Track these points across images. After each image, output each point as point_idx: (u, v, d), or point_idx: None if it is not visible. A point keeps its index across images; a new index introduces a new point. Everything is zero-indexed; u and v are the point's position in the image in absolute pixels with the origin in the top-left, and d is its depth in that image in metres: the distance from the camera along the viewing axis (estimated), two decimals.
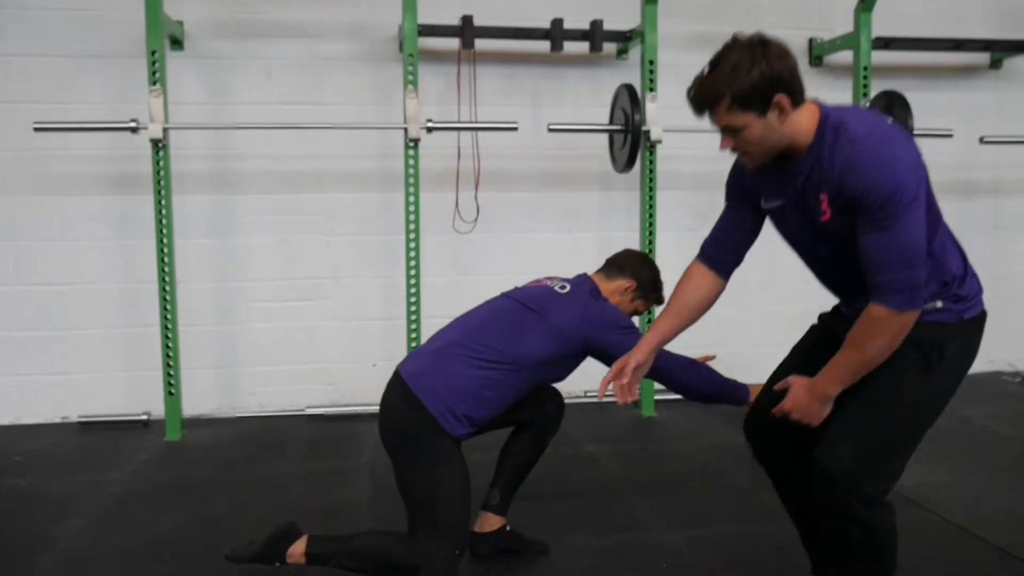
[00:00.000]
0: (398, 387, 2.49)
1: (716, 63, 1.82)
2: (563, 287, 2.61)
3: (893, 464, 1.93)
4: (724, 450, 3.78)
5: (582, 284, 2.63)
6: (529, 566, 2.64)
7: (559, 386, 2.73)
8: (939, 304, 1.92)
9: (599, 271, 2.75)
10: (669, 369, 2.50)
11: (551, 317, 2.50)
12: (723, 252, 2.15)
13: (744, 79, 1.77)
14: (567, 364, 2.60)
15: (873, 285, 1.80)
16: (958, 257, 1.98)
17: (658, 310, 2.40)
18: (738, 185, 2.12)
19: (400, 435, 2.46)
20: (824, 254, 1.98)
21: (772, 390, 2.09)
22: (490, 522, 2.70)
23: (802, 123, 1.85)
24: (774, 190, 1.99)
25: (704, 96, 1.83)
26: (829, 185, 1.84)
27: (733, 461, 3.62)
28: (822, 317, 2.25)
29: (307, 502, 3.19)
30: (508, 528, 2.72)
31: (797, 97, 1.83)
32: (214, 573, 2.58)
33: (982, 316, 2.00)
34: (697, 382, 2.52)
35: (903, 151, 1.78)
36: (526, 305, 2.56)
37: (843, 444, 1.88)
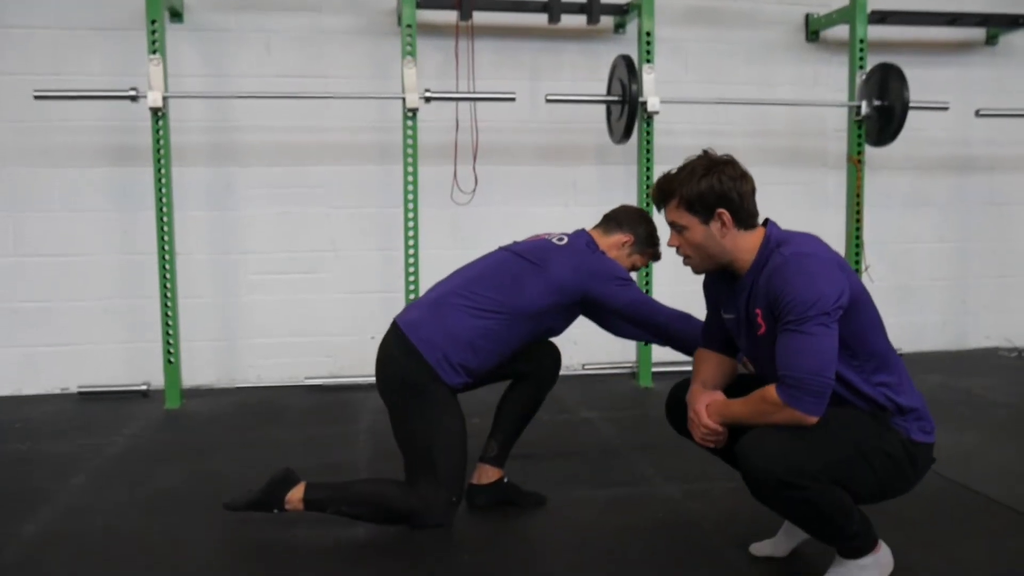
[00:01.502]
0: (396, 337, 2.52)
1: (682, 167, 2.04)
2: (561, 240, 2.65)
3: (813, 466, 1.87)
4: None
5: (579, 237, 2.66)
6: (527, 517, 2.65)
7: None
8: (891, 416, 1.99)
9: (596, 226, 2.77)
10: (667, 324, 2.55)
11: (549, 269, 2.53)
12: (719, 342, 2.23)
13: (694, 185, 1.98)
14: (564, 316, 2.63)
15: (780, 373, 1.88)
16: (913, 393, 2.03)
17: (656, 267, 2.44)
18: (709, 294, 2.27)
19: (398, 385, 2.49)
20: (766, 364, 2.01)
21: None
22: (488, 474, 2.72)
23: (746, 243, 2.02)
24: (729, 305, 2.12)
25: (661, 189, 2.06)
26: (763, 299, 1.96)
27: None
28: None
29: (307, 461, 3.18)
30: (506, 480, 2.74)
31: (742, 217, 2.00)
32: (213, 523, 2.59)
33: (929, 450, 2.05)
34: (695, 335, 2.47)
35: (830, 274, 1.90)
36: (525, 257, 2.58)
37: (762, 438, 1.90)
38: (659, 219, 2.75)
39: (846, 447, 1.92)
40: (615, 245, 2.69)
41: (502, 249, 2.69)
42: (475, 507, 2.70)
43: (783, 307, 1.88)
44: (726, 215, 1.98)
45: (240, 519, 2.60)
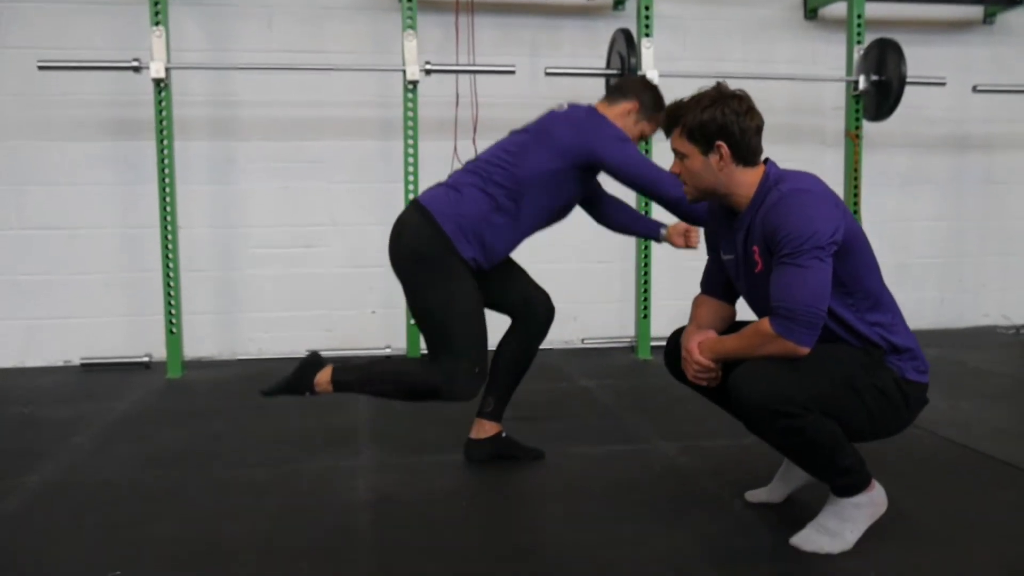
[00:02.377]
0: (412, 209, 2.60)
1: (693, 96, 2.05)
2: (561, 106, 2.67)
3: (804, 396, 1.90)
4: None
5: (581, 106, 2.67)
6: (525, 471, 2.68)
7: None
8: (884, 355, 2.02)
9: (602, 99, 2.76)
10: (666, 184, 2.56)
11: (553, 132, 2.56)
12: (719, 287, 2.26)
13: (697, 115, 2.00)
14: (570, 187, 2.62)
15: (772, 304, 1.91)
16: (907, 333, 2.06)
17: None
18: (709, 238, 2.31)
19: (412, 256, 2.54)
20: (763, 306, 2.04)
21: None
22: (485, 428, 2.75)
23: (745, 179, 2.03)
24: (728, 245, 2.15)
25: (669, 115, 2.08)
26: (760, 236, 1.98)
27: None
28: None
29: (306, 423, 3.23)
30: (504, 435, 2.76)
31: (742, 152, 2.00)
32: (215, 476, 2.63)
33: (923, 389, 2.07)
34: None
35: (826, 210, 1.93)
36: (528, 130, 2.63)
37: (754, 371, 1.92)
38: (662, 155, 2.81)
39: (838, 380, 1.95)
40: (621, 114, 2.68)
41: (510, 132, 2.71)
42: (473, 461, 2.73)
43: (779, 241, 1.90)
44: (724, 148, 1.99)
45: (239, 470, 2.63)
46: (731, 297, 2.26)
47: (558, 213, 2.70)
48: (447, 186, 2.61)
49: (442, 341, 2.48)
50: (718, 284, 2.26)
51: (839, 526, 2.04)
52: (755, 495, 2.38)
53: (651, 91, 2.74)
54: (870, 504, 2.07)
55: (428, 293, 2.50)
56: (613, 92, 2.75)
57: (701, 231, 2.73)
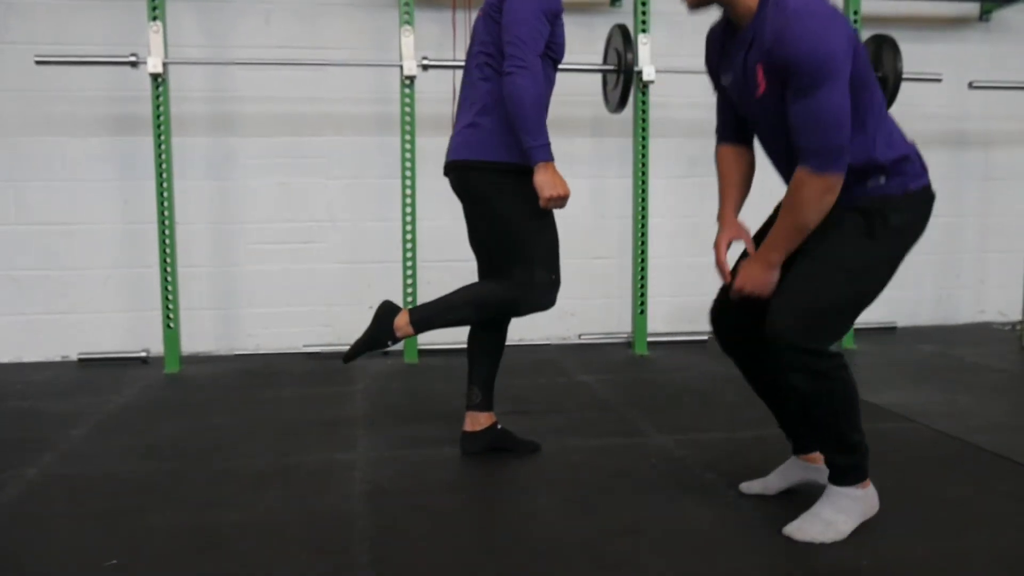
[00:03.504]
0: (450, 169, 2.64)
1: None
2: None
3: (834, 323, 1.99)
4: (715, 377, 3.84)
5: None
6: (521, 463, 2.69)
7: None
8: (882, 180, 2.03)
9: None
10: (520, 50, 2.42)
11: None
12: (733, 128, 2.25)
13: None
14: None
15: (798, 151, 1.92)
16: (902, 141, 2.08)
17: None
18: (711, 71, 2.25)
19: (471, 188, 2.58)
20: (765, 129, 2.07)
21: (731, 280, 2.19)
22: (479, 420, 2.75)
23: None
24: (728, 66, 2.10)
25: None
26: (764, 56, 1.94)
27: (724, 384, 3.68)
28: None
29: (303, 417, 3.24)
30: (499, 426, 2.77)
31: None
32: (213, 468, 2.63)
33: (927, 191, 2.08)
34: (532, 99, 2.42)
35: (833, 26, 1.88)
36: (486, 11, 2.59)
37: (787, 307, 1.97)
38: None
39: (863, 280, 2.00)
40: None
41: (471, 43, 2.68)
42: (469, 453, 2.74)
43: (793, 72, 1.86)
44: None
45: (238, 461, 2.64)
46: (747, 137, 2.25)
47: (554, 61, 2.61)
48: (457, 124, 2.62)
49: (515, 255, 2.52)
50: (731, 126, 2.25)
51: (833, 516, 2.06)
52: (750, 486, 2.39)
53: None
54: (864, 500, 2.09)
55: (498, 211, 2.54)
56: None
57: None
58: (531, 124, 2.41)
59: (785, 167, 2.13)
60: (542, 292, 2.54)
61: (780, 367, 1.99)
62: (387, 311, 2.58)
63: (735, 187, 2.26)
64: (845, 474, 2.07)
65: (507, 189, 2.53)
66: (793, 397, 2.08)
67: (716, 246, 2.22)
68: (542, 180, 2.45)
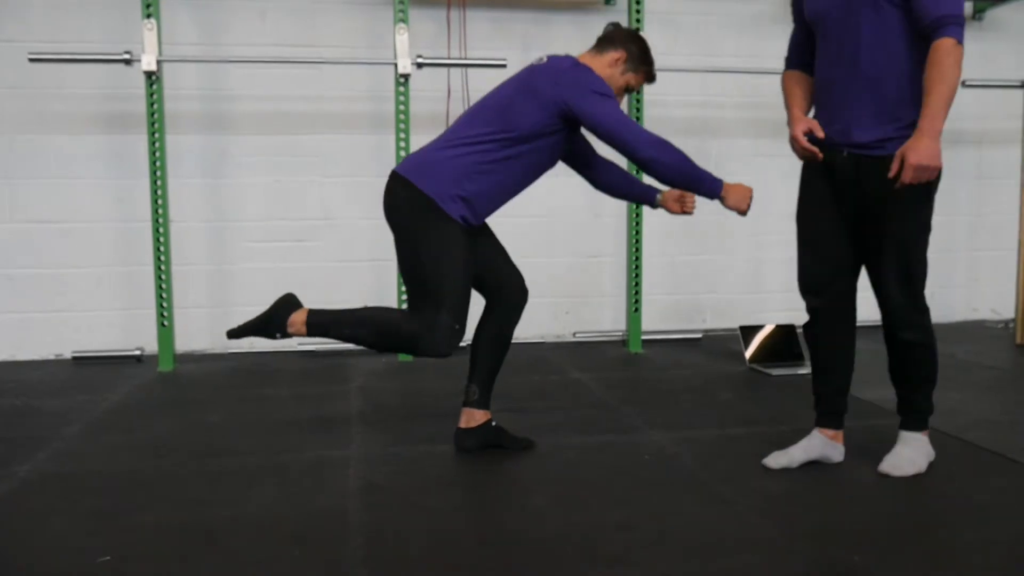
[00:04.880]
0: (393, 180, 2.61)
1: None
2: (541, 59, 2.65)
3: (925, 275, 2.44)
4: (710, 375, 3.85)
5: (563, 57, 2.65)
6: (515, 460, 2.69)
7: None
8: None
9: (590, 49, 2.73)
10: (639, 144, 2.51)
11: (532, 85, 2.55)
12: (802, 56, 2.56)
13: None
14: (554, 141, 2.61)
15: (936, 20, 2.19)
16: None
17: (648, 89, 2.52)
18: (795, 5, 2.58)
19: (403, 210, 2.56)
20: (852, 45, 2.34)
21: (816, 250, 2.52)
22: (474, 417, 2.76)
23: None
24: None
25: None
26: None
27: (718, 382, 3.69)
28: (811, 190, 2.54)
29: (297, 414, 3.24)
30: (494, 423, 2.78)
31: None
32: (206, 465, 2.63)
33: None
34: (668, 161, 2.52)
35: None
36: (507, 86, 2.62)
37: (897, 275, 2.38)
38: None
39: (928, 233, 2.43)
40: (608, 63, 2.66)
41: (490, 91, 2.71)
42: (463, 450, 2.74)
43: None
44: None
45: (232, 458, 2.64)
46: (810, 66, 2.53)
47: (543, 167, 2.67)
48: (425, 149, 2.62)
49: (425, 294, 2.49)
50: (801, 53, 2.56)
51: (914, 455, 2.49)
52: (777, 459, 2.55)
53: (638, 42, 2.71)
54: (928, 443, 2.54)
55: (416, 246, 2.53)
56: (601, 42, 2.72)
57: (696, 198, 2.78)
58: (692, 175, 2.55)
59: (843, 72, 2.38)
60: (443, 337, 2.50)
61: (893, 324, 2.42)
62: (287, 303, 2.52)
63: (801, 98, 2.55)
64: (922, 420, 2.52)
65: (432, 226, 2.51)
66: (901, 351, 2.46)
67: (794, 137, 2.49)
68: (732, 202, 2.59)
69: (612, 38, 2.70)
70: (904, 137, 2.28)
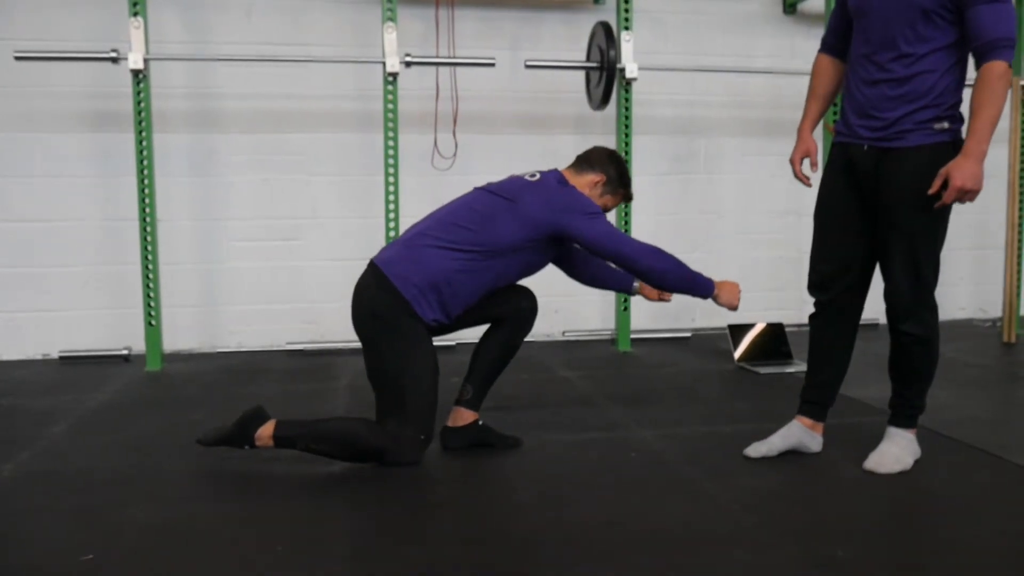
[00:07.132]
0: (371, 273, 2.59)
1: None
2: (533, 176, 2.70)
3: (934, 270, 2.41)
4: (698, 373, 3.86)
5: (551, 175, 2.71)
6: (502, 457, 2.69)
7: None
8: (946, 124, 2.32)
9: (569, 167, 2.80)
10: (636, 256, 2.57)
11: (521, 204, 2.58)
12: (841, 40, 2.55)
13: None
14: (537, 254, 2.67)
15: (988, 43, 2.19)
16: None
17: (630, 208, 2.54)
18: None
19: (371, 317, 2.54)
20: (891, 45, 2.32)
21: (824, 247, 2.54)
22: (463, 416, 2.76)
23: None
24: None
25: None
26: None
27: (706, 380, 3.70)
28: (829, 187, 2.55)
29: (286, 413, 3.20)
30: (481, 423, 2.77)
31: None
32: (192, 463, 2.62)
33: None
34: (664, 269, 2.59)
35: None
36: (497, 194, 2.63)
37: (905, 272, 2.37)
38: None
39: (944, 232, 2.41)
40: (588, 184, 2.73)
41: (477, 189, 2.74)
42: (449, 448, 2.74)
43: None
44: None
45: (217, 456, 2.63)
46: (844, 52, 2.53)
47: (526, 273, 2.72)
48: (406, 244, 2.61)
49: (393, 405, 2.50)
50: (838, 36, 2.54)
51: (900, 453, 2.49)
52: (756, 449, 2.59)
53: (617, 165, 2.79)
54: (915, 441, 2.55)
55: (385, 355, 2.53)
56: (581, 162, 2.78)
57: None
58: (687, 279, 2.64)
59: (874, 68, 2.36)
60: (409, 450, 2.51)
61: (896, 316, 2.43)
62: (256, 417, 2.51)
63: (821, 99, 2.60)
64: (912, 417, 2.52)
65: (399, 334, 2.51)
66: (900, 343, 2.46)
67: (792, 161, 2.61)
68: (725, 299, 2.70)
69: (591, 160, 2.77)
70: (926, 132, 2.31)
